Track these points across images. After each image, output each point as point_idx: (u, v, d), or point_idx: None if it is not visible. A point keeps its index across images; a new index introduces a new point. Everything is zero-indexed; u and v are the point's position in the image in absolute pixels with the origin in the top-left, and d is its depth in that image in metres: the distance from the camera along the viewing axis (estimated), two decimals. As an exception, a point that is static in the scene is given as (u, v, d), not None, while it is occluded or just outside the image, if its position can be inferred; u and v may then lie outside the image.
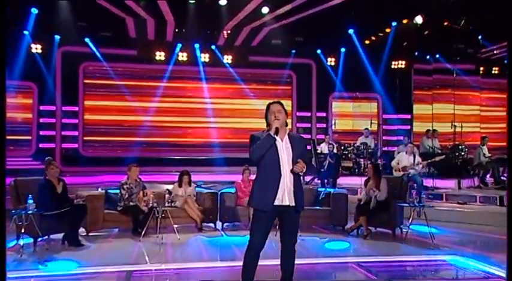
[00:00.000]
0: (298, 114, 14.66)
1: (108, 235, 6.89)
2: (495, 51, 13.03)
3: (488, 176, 11.21)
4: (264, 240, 3.40)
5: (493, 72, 14.71)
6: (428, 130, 12.53)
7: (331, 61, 14.62)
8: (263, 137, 3.36)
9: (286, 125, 3.49)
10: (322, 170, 10.54)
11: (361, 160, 12.02)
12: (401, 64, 14.79)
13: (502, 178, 10.83)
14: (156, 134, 13.39)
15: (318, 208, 7.55)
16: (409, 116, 15.14)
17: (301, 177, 3.53)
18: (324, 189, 8.04)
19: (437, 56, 13.63)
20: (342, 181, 10.47)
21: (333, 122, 13.81)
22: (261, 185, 3.40)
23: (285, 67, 14.37)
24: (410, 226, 6.83)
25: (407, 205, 6.92)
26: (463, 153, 11.62)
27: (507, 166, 10.70)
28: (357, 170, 11.91)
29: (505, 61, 13.77)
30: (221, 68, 13.78)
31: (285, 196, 3.39)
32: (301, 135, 4.06)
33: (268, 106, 3.51)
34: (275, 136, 3.36)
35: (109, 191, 7.24)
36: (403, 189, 7.50)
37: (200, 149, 13.82)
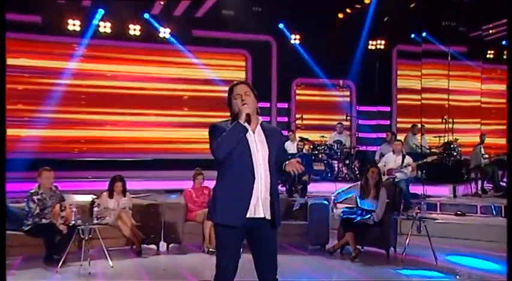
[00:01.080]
0: None
1: (8, 265, 5.98)
2: (490, 31, 13.44)
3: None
4: (235, 264, 3.33)
5: (487, 56, 15.33)
6: (414, 125, 12.79)
7: (296, 39, 14.63)
8: (229, 127, 3.29)
9: (258, 114, 3.45)
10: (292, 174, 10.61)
11: (335, 161, 12.16)
12: (381, 44, 15.14)
13: (501, 183, 11.36)
14: (67, 128, 12.91)
15: (291, 222, 7.52)
16: (388, 109, 15.54)
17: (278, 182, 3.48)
18: (302, 198, 7.94)
19: (424, 34, 13.89)
20: (311, 187, 10.50)
21: (299, 115, 13.88)
22: (227, 192, 3.32)
23: (237, 45, 14.33)
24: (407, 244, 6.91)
25: (405, 218, 7.02)
26: (455, 153, 11.91)
27: (507, 169, 11.20)
28: (329, 175, 11.99)
29: (504, 42, 14.36)
30: (156, 44, 13.57)
31: (258, 206, 3.33)
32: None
33: (231, 88, 3.45)
34: (246, 125, 3.30)
35: (10, 205, 6.80)
36: (397, 198, 7.59)
37: (131, 149, 13.37)
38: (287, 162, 3.38)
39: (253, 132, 3.39)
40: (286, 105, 14.90)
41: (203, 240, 7.25)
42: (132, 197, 7.70)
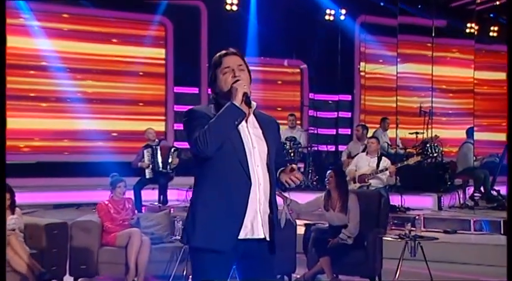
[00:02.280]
0: (176, 90, 14.65)
1: None
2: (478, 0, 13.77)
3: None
4: None
5: (468, 31, 15.43)
6: (384, 119, 12.97)
7: (233, 4, 14.55)
8: (221, 111, 3.25)
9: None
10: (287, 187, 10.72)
11: (287, 163, 11.90)
12: (340, 15, 15.30)
13: (492, 191, 11.63)
14: None
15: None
16: (349, 97, 15.74)
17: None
18: (288, 211, 7.77)
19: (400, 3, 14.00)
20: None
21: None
22: (212, 203, 3.30)
23: (154, 10, 14.19)
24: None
25: (395, 238, 6.98)
26: (435, 154, 12.07)
27: (497, 174, 11.45)
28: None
29: (491, 15, 14.86)
30: (45, 5, 13.32)
31: (257, 223, 3.32)
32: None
33: (218, 60, 3.46)
34: (242, 108, 3.28)
35: None
36: (383, 211, 7.53)
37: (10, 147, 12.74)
38: (280, 170, 3.40)
39: (246, 123, 3.37)
40: None
41: (126, 272, 7.05)
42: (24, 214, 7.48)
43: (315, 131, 13.88)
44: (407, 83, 14.49)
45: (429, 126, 12.54)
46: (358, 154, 10.34)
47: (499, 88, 14.58)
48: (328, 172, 7.42)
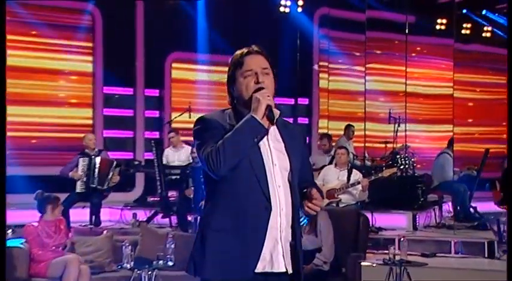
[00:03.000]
0: (106, 91, 14.38)
1: None
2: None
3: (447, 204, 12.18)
4: None
5: (438, 27, 15.84)
6: (349, 126, 13.09)
7: None
8: (239, 124, 3.26)
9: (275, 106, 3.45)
10: (173, 198, 11.14)
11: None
12: (297, 7, 15.22)
13: (471, 208, 11.75)
14: None
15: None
16: (306, 101, 15.81)
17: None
18: None
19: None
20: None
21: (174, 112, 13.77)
22: (225, 229, 3.30)
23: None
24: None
25: (379, 263, 7.18)
26: (407, 166, 12.14)
27: (474, 189, 11.64)
28: None
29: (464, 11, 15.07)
30: None
31: (277, 254, 3.32)
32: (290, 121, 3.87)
33: (238, 61, 3.45)
34: (264, 124, 3.28)
35: None
36: (363, 232, 7.66)
37: None
38: (303, 192, 3.38)
39: (267, 135, 3.36)
40: (157, 92, 14.96)
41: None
42: None
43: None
44: (375, 86, 14.64)
45: (399, 134, 12.64)
46: (324, 166, 10.31)
47: (473, 93, 14.99)
48: None
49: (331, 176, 9.67)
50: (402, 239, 7.93)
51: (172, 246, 6.77)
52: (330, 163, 10.54)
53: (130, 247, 6.61)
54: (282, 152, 3.37)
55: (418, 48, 16.10)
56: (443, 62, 15.64)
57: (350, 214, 7.96)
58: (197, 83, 15.20)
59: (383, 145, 13.03)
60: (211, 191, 3.37)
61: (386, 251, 9.45)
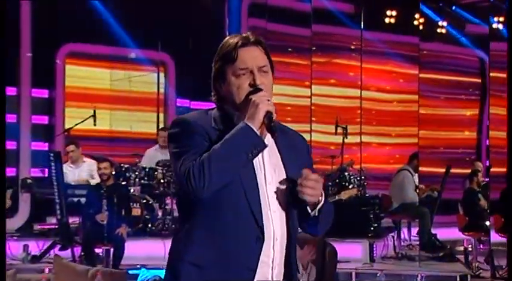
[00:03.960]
0: None
1: None
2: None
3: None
4: None
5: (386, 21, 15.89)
6: None
7: None
8: (230, 135, 3.18)
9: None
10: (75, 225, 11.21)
11: (166, 199, 12.45)
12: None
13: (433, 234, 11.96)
14: None
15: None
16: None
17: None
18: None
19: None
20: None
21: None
22: (206, 265, 3.26)
23: None
24: None
25: None
26: (355, 185, 12.24)
27: (435, 212, 11.88)
28: (149, 225, 12.14)
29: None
30: None
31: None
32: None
33: (229, 54, 3.31)
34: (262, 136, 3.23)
35: None
36: (329, 264, 7.60)
37: None
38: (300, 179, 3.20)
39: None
40: (46, 93, 14.98)
41: None
42: None
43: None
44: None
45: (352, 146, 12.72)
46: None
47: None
48: None
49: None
50: (379, 273, 8.08)
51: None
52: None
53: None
54: (279, 167, 3.30)
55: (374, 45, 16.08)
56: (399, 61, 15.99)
57: (316, 243, 7.82)
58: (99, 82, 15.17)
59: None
60: (186, 214, 3.30)
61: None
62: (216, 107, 3.33)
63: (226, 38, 3.35)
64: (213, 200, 3.17)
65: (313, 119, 13.25)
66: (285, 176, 3.28)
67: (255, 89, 3.21)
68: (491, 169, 11.95)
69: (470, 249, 10.96)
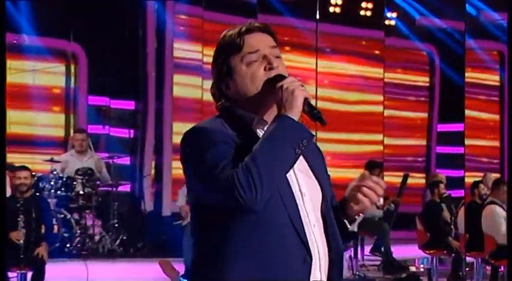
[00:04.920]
0: None
1: None
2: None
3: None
4: None
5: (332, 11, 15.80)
6: None
7: None
8: (271, 129, 3.05)
9: None
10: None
11: (86, 213, 12.28)
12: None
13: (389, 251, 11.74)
14: None
15: None
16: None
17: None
18: None
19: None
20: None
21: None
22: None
23: None
24: None
25: None
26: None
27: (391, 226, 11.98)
28: (68, 245, 11.88)
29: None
30: None
31: None
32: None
33: (233, 42, 3.21)
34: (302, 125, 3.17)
35: None
36: None
37: None
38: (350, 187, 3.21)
39: None
40: None
41: None
42: None
43: (113, 159, 13.28)
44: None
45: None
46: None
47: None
48: None
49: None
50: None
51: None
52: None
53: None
54: (309, 176, 3.19)
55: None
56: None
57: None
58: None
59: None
60: (211, 235, 3.12)
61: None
62: (225, 112, 3.19)
63: (224, 32, 3.26)
64: (251, 218, 3.05)
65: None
66: (318, 186, 3.17)
67: (277, 75, 3.07)
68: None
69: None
